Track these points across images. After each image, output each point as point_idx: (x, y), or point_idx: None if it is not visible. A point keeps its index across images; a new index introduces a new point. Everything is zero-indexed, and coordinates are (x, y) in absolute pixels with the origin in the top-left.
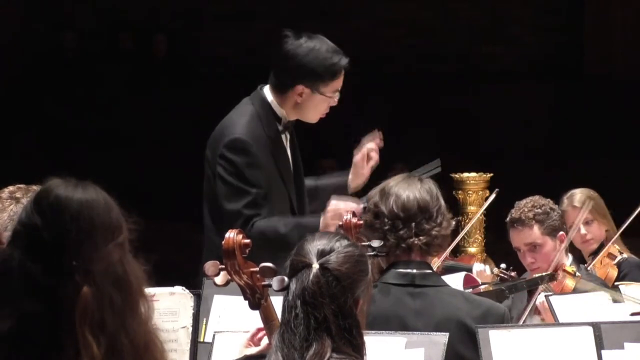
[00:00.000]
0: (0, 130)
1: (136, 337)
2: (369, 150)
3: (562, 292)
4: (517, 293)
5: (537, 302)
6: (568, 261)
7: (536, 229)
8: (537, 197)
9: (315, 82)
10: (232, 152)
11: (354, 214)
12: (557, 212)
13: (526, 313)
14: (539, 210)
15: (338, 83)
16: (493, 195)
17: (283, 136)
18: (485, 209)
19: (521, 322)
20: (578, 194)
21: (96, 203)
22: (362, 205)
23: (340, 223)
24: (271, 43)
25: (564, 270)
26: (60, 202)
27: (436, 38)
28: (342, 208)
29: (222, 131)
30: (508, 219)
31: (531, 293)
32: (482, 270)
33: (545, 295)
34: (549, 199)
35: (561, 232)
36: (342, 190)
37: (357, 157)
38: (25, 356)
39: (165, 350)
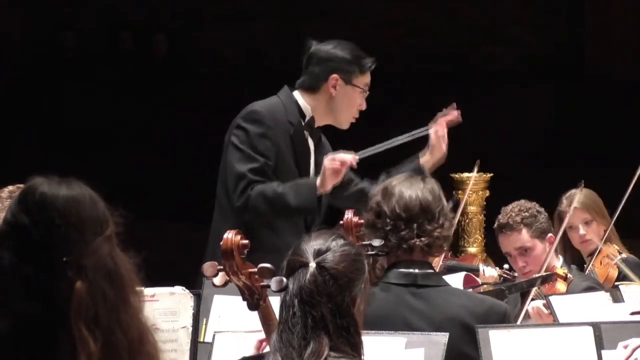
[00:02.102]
0: (0, 130)
1: (130, 331)
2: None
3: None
4: (512, 295)
5: (529, 308)
6: (559, 263)
7: (525, 233)
8: (522, 201)
9: (348, 72)
10: (246, 121)
11: (354, 213)
12: (544, 215)
13: (521, 317)
14: (526, 213)
15: (367, 78)
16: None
17: (306, 133)
18: (485, 209)
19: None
20: (577, 195)
21: (82, 198)
22: (356, 157)
23: (341, 222)
24: (302, 51)
25: (556, 274)
26: (46, 199)
27: (436, 38)
28: (337, 158)
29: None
30: (496, 225)
31: (524, 295)
32: (490, 275)
33: (545, 296)
34: (534, 202)
35: (550, 234)
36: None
37: (432, 131)
38: (23, 356)
39: (158, 343)
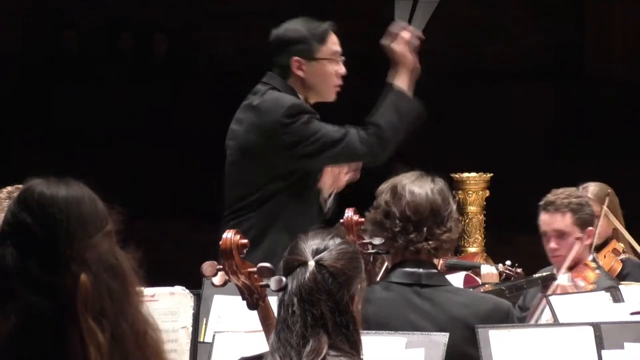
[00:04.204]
0: (0, 130)
1: (135, 323)
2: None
3: (583, 280)
4: (519, 292)
5: (559, 283)
6: (590, 257)
7: (568, 217)
8: (574, 189)
9: (305, 50)
10: (293, 116)
11: (354, 211)
12: (590, 208)
13: (537, 312)
14: (575, 200)
15: (331, 47)
16: None
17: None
18: (485, 209)
19: (534, 320)
20: (592, 187)
21: (81, 196)
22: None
23: (341, 220)
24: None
25: (586, 264)
26: (46, 197)
27: (436, 38)
28: (402, 32)
29: (267, 112)
30: (542, 202)
31: (546, 287)
32: (491, 273)
33: (545, 295)
34: (586, 195)
35: (590, 228)
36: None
37: (396, 46)
38: (34, 351)
39: (161, 337)
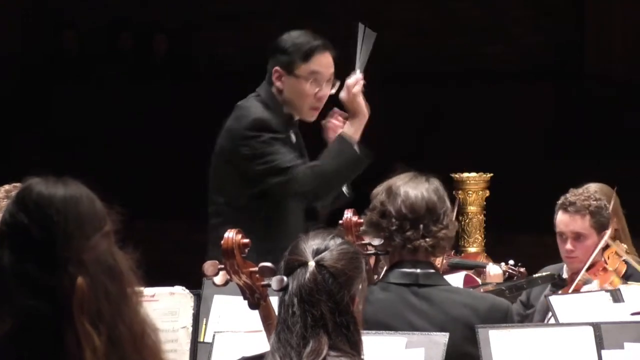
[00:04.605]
0: (0, 130)
1: (133, 325)
2: (351, 85)
3: (610, 284)
4: (519, 292)
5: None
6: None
7: (587, 220)
8: (593, 190)
9: (287, 63)
10: (255, 130)
11: (354, 212)
12: (608, 211)
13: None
14: (595, 202)
15: (313, 66)
16: None
17: (291, 132)
18: (485, 209)
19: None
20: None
21: (79, 195)
22: (359, 74)
23: (341, 221)
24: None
25: (605, 268)
26: (44, 197)
27: (436, 38)
28: (350, 83)
29: (237, 119)
30: (561, 201)
31: (556, 286)
32: (498, 273)
33: (545, 295)
34: (603, 197)
35: (606, 231)
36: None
37: (343, 94)
38: (30, 353)
39: (159, 338)
